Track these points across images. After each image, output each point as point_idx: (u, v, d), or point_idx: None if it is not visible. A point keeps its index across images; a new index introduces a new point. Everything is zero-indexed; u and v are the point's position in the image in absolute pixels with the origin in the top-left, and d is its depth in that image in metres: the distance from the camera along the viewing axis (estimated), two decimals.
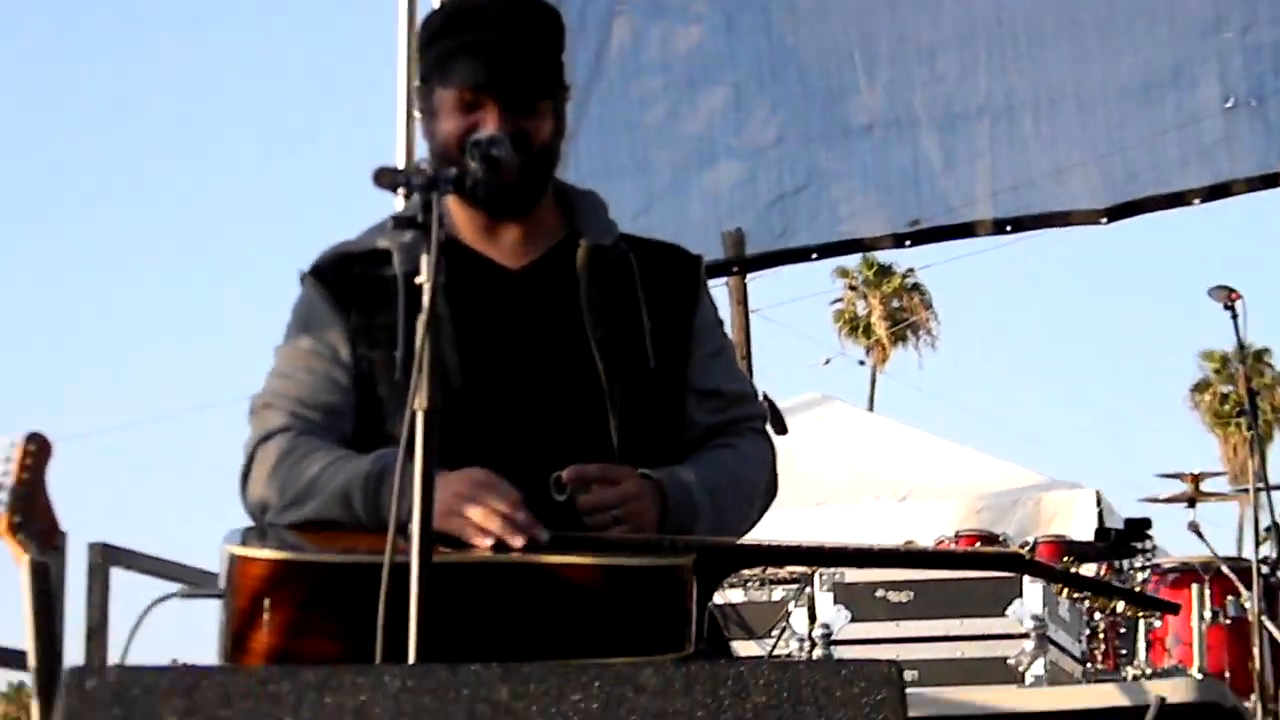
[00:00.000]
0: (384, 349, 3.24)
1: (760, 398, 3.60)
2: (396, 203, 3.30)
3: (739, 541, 3.35)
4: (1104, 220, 8.10)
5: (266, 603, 2.96)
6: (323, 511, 3.16)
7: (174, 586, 6.84)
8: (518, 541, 2.98)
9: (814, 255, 8.42)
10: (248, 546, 3.03)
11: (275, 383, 3.35)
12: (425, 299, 2.80)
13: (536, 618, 2.94)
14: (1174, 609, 6.94)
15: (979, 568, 6.34)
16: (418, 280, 2.82)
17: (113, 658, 6.44)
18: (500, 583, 2.97)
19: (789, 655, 7.10)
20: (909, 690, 6.16)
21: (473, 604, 2.92)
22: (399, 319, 3.19)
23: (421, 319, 2.79)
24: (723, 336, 3.52)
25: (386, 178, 2.91)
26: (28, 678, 4.03)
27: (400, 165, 3.06)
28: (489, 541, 2.99)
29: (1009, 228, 8.24)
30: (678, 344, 3.36)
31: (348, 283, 3.31)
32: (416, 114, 8.22)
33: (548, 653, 2.81)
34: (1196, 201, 8.04)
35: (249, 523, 3.25)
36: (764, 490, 3.45)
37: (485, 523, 3.00)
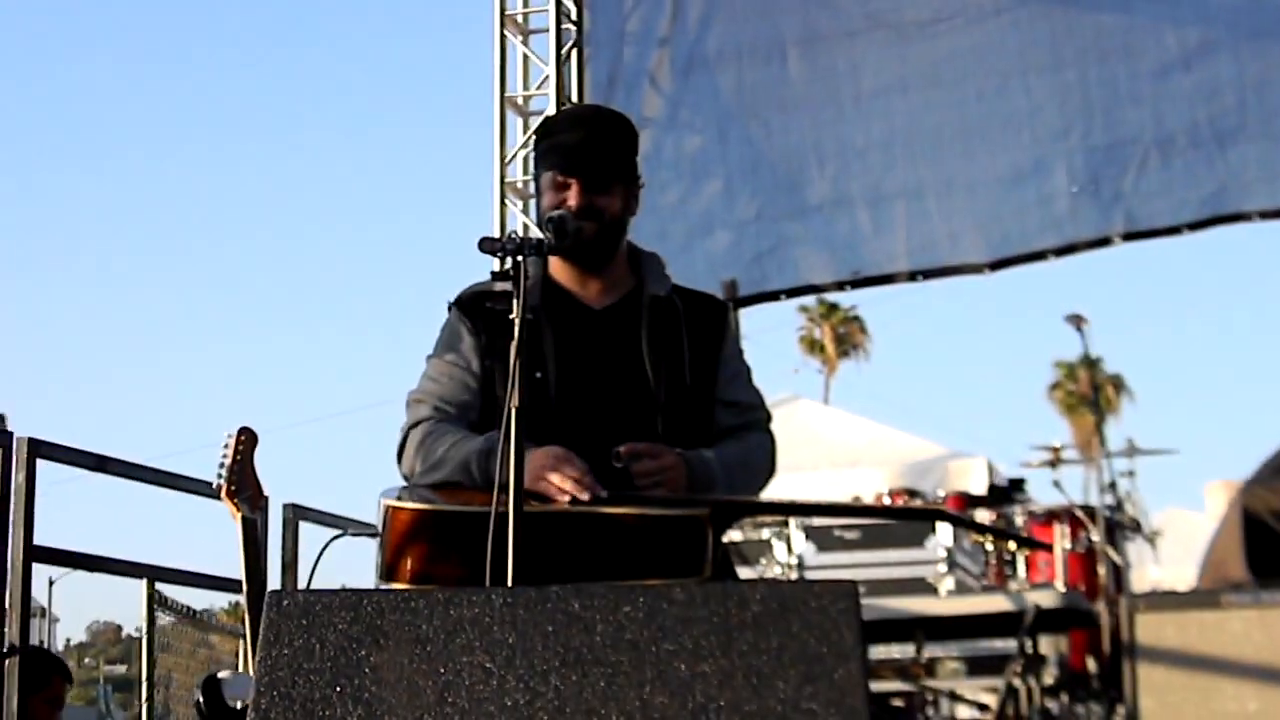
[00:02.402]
0: (504, 363, 3.21)
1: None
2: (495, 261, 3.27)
3: (739, 499, 3.34)
4: (987, 270, 8.12)
5: (410, 540, 2.95)
6: (451, 477, 3.15)
7: None
8: (585, 496, 2.96)
9: (782, 296, 8.46)
10: (398, 500, 3.03)
11: (425, 384, 3.32)
12: (515, 330, 2.81)
13: (600, 551, 2.93)
14: (1048, 548, 6.92)
15: (912, 518, 6.34)
16: (510, 316, 2.83)
17: (301, 584, 6.43)
18: (576, 527, 2.95)
19: (779, 578, 7.07)
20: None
21: (556, 542, 2.91)
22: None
23: (513, 345, 2.79)
24: (742, 361, 3.46)
25: (487, 244, 2.91)
26: (242, 599, 4.03)
27: (496, 234, 3.02)
28: (566, 498, 2.98)
29: (920, 276, 8.26)
30: (708, 368, 3.32)
31: (481, 313, 3.25)
32: (506, 199, 8.16)
33: (607, 575, 2.80)
34: (1052, 257, 8.05)
35: (398, 485, 3.23)
36: (766, 469, 3.40)
37: (563, 484, 2.98)
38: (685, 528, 2.96)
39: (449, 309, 3.36)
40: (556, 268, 3.33)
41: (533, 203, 8.52)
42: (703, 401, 3.30)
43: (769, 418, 3.46)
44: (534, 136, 3.44)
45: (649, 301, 3.30)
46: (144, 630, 6.10)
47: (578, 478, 2.99)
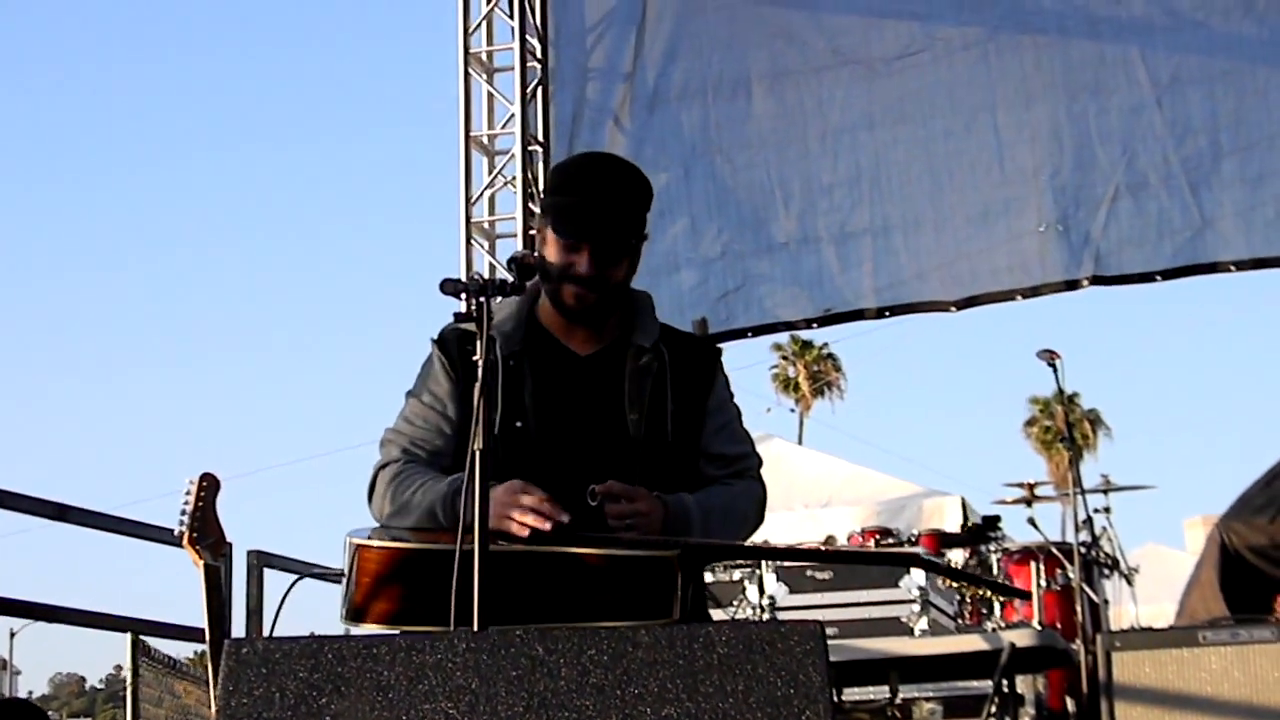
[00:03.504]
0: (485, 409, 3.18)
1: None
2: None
3: (707, 542, 3.32)
4: (954, 309, 8.16)
5: (377, 580, 2.92)
6: (420, 521, 3.12)
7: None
8: (545, 525, 2.94)
9: (749, 334, 8.47)
10: (366, 540, 2.99)
11: (400, 424, 3.29)
12: (480, 372, 2.77)
13: (568, 592, 2.90)
14: (1026, 596, 6.90)
15: (890, 564, 6.32)
16: (474, 359, 2.80)
17: (265, 631, 6.41)
18: (543, 568, 2.92)
19: (746, 619, 7.04)
20: (832, 641, 6.04)
21: (524, 582, 2.88)
22: (499, 391, 3.12)
23: (476, 387, 2.76)
24: (731, 408, 3.39)
25: (449, 286, 2.86)
26: (206, 647, 4.01)
27: (460, 276, 3.00)
28: (526, 531, 2.95)
29: (887, 313, 8.29)
30: (693, 419, 3.27)
31: (460, 354, 3.22)
32: (472, 239, 8.16)
33: (576, 616, 2.78)
34: (1020, 298, 8.08)
35: (365, 526, 3.20)
36: (752, 517, 3.36)
37: (522, 518, 2.96)
38: (653, 569, 2.94)
39: (431, 344, 3.31)
40: (544, 310, 3.29)
41: (499, 243, 8.58)
42: (686, 454, 3.27)
43: (759, 464, 3.41)
44: (550, 178, 3.35)
45: (632, 355, 3.25)
46: (129, 681, 6.08)
47: (535, 507, 2.97)
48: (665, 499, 3.13)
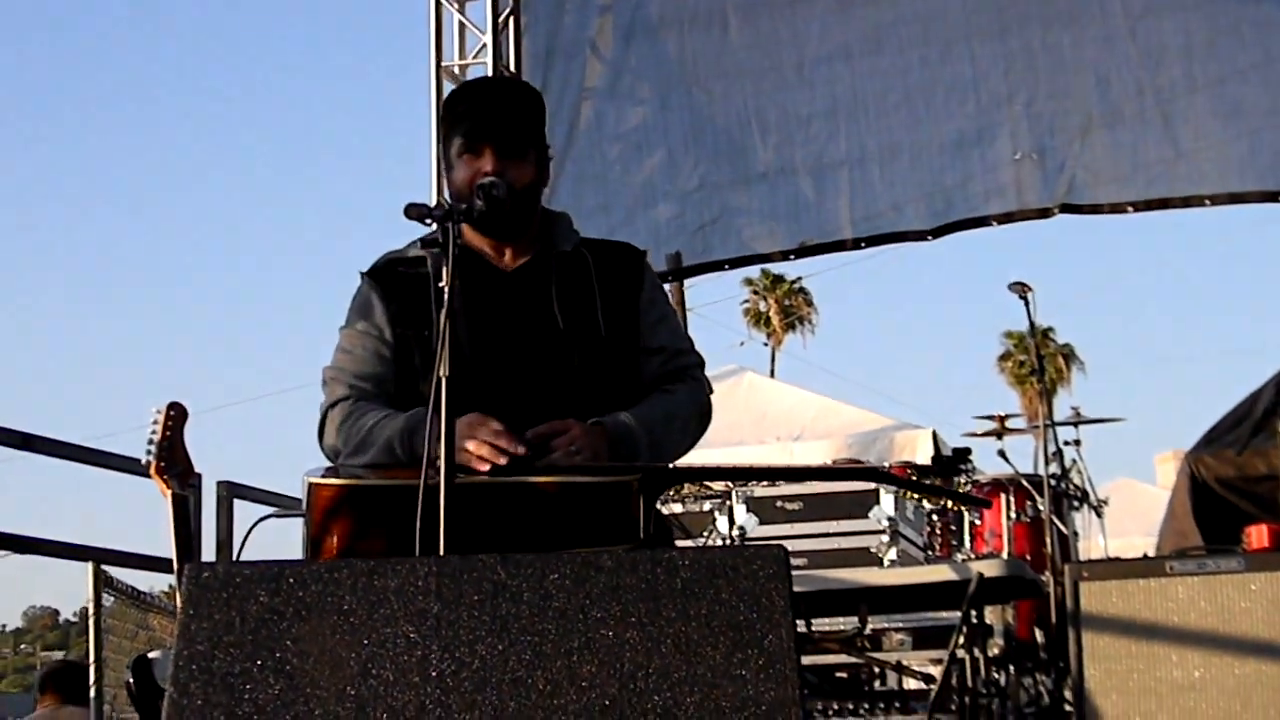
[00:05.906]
0: (417, 327, 3.20)
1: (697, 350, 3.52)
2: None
3: (675, 465, 3.33)
4: (930, 238, 8.15)
5: (335, 517, 2.93)
6: (377, 458, 3.12)
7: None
8: (502, 459, 2.94)
9: (726, 266, 8.46)
10: (322, 477, 3.00)
11: (339, 357, 3.30)
12: (445, 298, 2.77)
13: (529, 522, 2.91)
14: (985, 504, 6.94)
15: (850, 479, 6.34)
16: (440, 284, 2.80)
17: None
18: (503, 499, 2.93)
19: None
20: (801, 572, 6.06)
21: (484, 514, 2.88)
22: (432, 310, 3.15)
23: (443, 313, 2.76)
24: (665, 305, 3.44)
25: (414, 210, 2.86)
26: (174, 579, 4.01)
27: (430, 202, 2.98)
28: (485, 466, 2.95)
29: (863, 244, 8.27)
30: (625, 317, 3.30)
31: (393, 279, 3.26)
32: (441, 170, 8.12)
33: (538, 546, 2.78)
34: (995, 224, 8.07)
35: (316, 467, 3.20)
36: (695, 419, 3.37)
37: (478, 450, 2.96)
38: (614, 494, 2.95)
39: (361, 278, 3.33)
40: (470, 233, 3.31)
41: None
42: (622, 352, 3.28)
43: (700, 362, 3.44)
44: (444, 105, 3.42)
45: (555, 259, 3.29)
46: (91, 612, 6.07)
47: (493, 441, 2.97)
48: (604, 422, 3.14)
